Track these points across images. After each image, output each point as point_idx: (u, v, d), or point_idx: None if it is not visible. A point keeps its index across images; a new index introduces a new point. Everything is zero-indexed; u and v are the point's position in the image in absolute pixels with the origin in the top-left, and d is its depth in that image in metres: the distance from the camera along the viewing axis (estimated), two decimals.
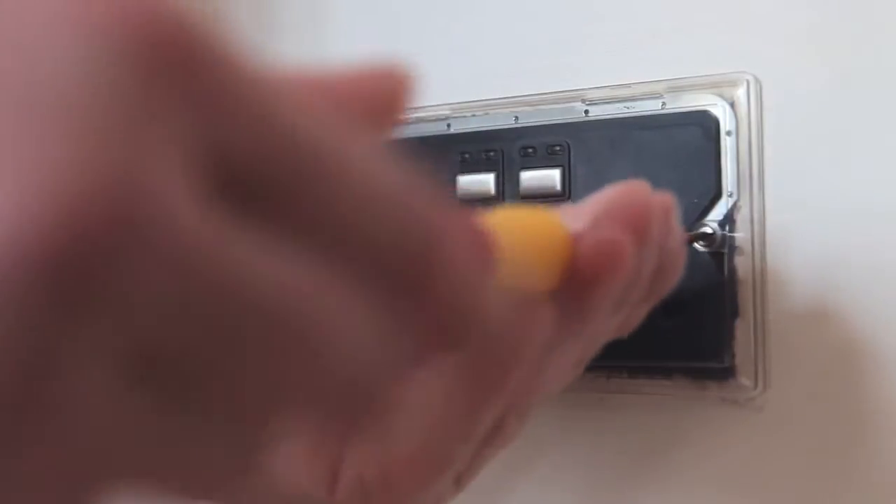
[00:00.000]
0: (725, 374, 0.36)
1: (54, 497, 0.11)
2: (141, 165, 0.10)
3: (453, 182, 0.40)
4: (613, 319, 0.25)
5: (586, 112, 0.38)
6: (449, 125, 0.41)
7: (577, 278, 0.21)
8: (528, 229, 0.20)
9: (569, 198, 0.38)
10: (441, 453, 0.23)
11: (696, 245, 0.36)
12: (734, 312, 0.36)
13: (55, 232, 0.09)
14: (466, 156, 0.40)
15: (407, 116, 0.18)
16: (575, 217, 0.22)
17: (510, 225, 0.19)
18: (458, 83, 0.42)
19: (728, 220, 0.36)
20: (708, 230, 0.36)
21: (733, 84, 0.36)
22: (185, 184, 0.11)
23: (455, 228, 0.14)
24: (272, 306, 0.11)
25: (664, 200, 0.25)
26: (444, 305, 0.14)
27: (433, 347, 0.14)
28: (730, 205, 0.36)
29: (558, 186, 0.38)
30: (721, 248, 0.36)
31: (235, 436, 0.13)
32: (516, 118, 0.40)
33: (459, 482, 0.25)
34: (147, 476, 0.12)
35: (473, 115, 0.41)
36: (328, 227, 0.12)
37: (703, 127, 0.36)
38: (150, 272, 0.10)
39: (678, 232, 0.26)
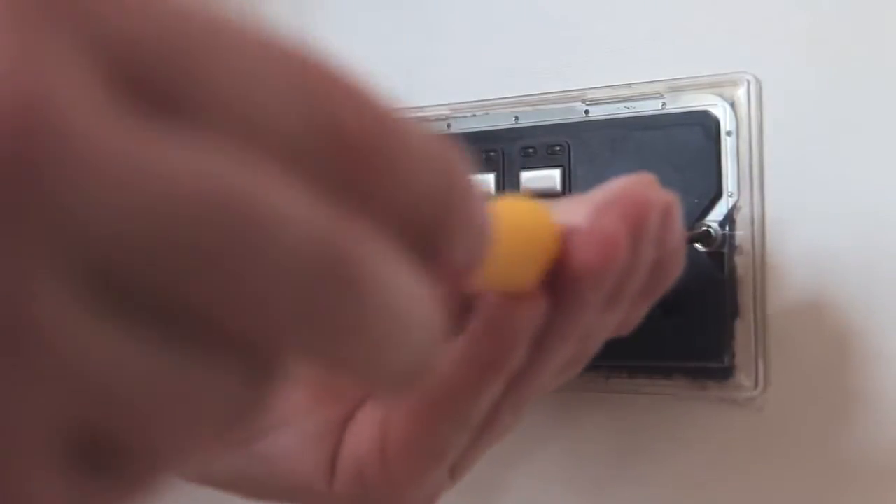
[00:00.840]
0: (725, 373, 0.36)
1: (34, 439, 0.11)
2: (42, 73, 0.10)
3: None
4: (611, 316, 0.24)
5: (586, 112, 0.38)
6: (449, 125, 0.41)
7: (568, 269, 0.21)
8: (513, 223, 0.20)
9: None
10: (437, 443, 0.24)
11: (696, 245, 0.36)
12: (734, 312, 0.36)
13: None
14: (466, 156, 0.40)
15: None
16: (577, 208, 0.22)
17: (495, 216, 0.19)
18: (458, 83, 0.42)
19: (728, 219, 0.36)
20: (708, 230, 0.36)
21: (734, 84, 0.36)
22: (92, 87, 0.10)
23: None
24: (215, 203, 0.11)
25: (665, 198, 0.25)
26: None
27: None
28: (730, 204, 0.36)
29: (558, 186, 0.38)
30: (721, 248, 0.36)
31: (235, 368, 0.12)
32: (516, 118, 0.40)
33: (454, 474, 0.26)
34: (144, 424, 0.12)
35: (473, 115, 0.41)
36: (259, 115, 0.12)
37: (704, 127, 0.36)
38: (75, 182, 0.10)
39: (679, 230, 0.26)
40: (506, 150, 0.39)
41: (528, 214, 0.21)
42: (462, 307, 0.22)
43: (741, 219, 0.36)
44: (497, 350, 0.22)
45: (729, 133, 0.36)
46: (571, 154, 0.38)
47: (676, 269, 0.27)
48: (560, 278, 0.21)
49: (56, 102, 0.10)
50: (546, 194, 0.38)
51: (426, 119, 0.41)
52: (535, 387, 0.24)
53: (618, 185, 0.23)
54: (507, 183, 0.39)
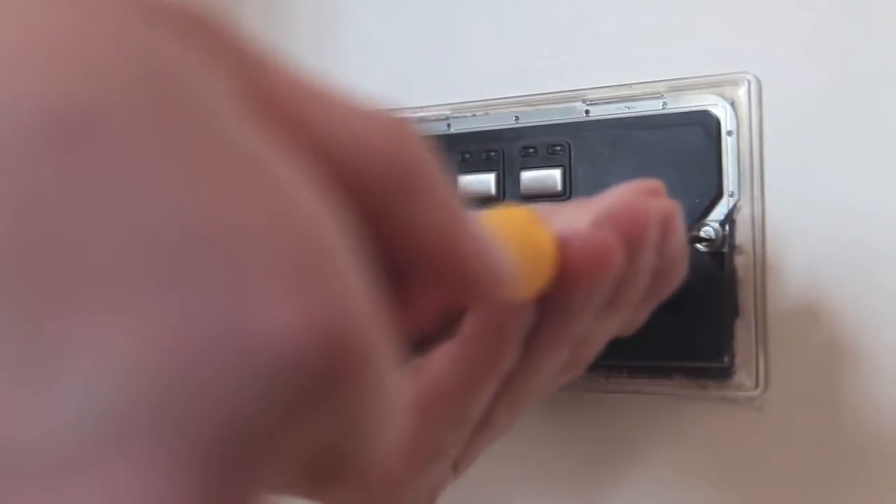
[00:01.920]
0: (725, 373, 0.36)
1: None
2: (363, 305, 0.12)
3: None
4: (610, 322, 0.25)
5: (587, 112, 0.38)
6: (449, 125, 0.41)
7: (560, 278, 0.21)
8: (506, 231, 0.20)
9: (569, 198, 0.38)
10: (434, 441, 0.24)
11: (697, 245, 0.36)
12: (734, 312, 0.36)
13: (308, 347, 0.11)
14: (467, 156, 0.40)
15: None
16: (576, 216, 0.23)
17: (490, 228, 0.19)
18: (458, 83, 0.42)
19: (729, 219, 0.36)
20: (708, 230, 0.36)
21: (734, 84, 0.36)
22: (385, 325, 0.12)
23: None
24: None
25: (666, 206, 0.25)
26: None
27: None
28: (731, 204, 0.36)
29: (559, 186, 0.38)
30: (721, 248, 0.36)
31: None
32: (516, 118, 0.40)
33: (457, 469, 0.26)
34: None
35: (473, 115, 0.41)
36: None
37: (705, 127, 0.36)
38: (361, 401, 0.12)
39: (681, 239, 0.26)
40: (506, 150, 0.39)
41: (522, 223, 0.21)
42: (457, 310, 0.22)
43: (742, 218, 0.36)
44: (487, 352, 0.22)
45: (729, 133, 0.36)
46: (572, 154, 0.38)
47: (679, 276, 0.27)
48: (552, 286, 0.22)
49: (367, 337, 0.11)
50: (546, 194, 0.38)
51: (426, 119, 0.41)
52: (532, 387, 0.25)
53: (618, 194, 0.24)
54: (508, 183, 0.39)
